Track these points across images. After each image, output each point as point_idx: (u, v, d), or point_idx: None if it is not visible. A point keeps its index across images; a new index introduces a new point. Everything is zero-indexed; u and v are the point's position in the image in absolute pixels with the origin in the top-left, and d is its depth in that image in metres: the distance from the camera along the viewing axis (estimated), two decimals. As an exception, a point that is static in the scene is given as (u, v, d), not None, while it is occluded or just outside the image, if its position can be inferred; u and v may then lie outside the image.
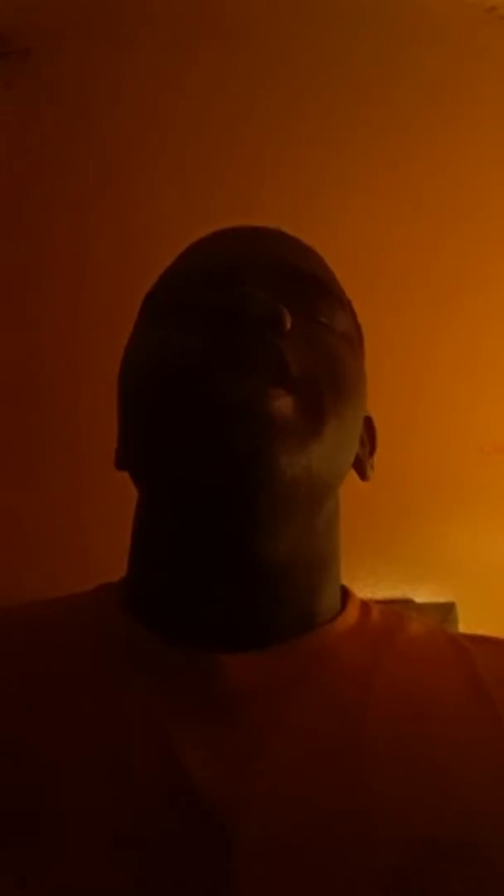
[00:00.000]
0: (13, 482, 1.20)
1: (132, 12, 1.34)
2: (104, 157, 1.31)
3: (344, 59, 1.39)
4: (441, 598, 1.30)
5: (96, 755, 0.46)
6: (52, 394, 1.22)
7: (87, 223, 1.27)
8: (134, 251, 1.17)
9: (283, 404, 0.49)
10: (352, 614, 0.56)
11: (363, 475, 0.61)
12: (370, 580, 1.23)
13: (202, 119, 1.32)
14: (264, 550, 0.51)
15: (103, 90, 1.32)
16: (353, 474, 0.60)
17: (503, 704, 0.51)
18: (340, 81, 1.38)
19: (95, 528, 1.11)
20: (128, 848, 0.43)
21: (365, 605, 0.58)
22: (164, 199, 1.27)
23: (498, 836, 0.45)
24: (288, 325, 0.50)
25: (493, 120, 1.42)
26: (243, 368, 0.49)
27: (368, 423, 0.62)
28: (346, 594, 0.58)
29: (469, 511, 1.33)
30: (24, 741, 0.48)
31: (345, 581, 0.59)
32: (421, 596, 1.30)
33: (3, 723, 0.49)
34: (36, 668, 0.52)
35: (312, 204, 1.27)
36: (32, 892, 0.42)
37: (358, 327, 0.62)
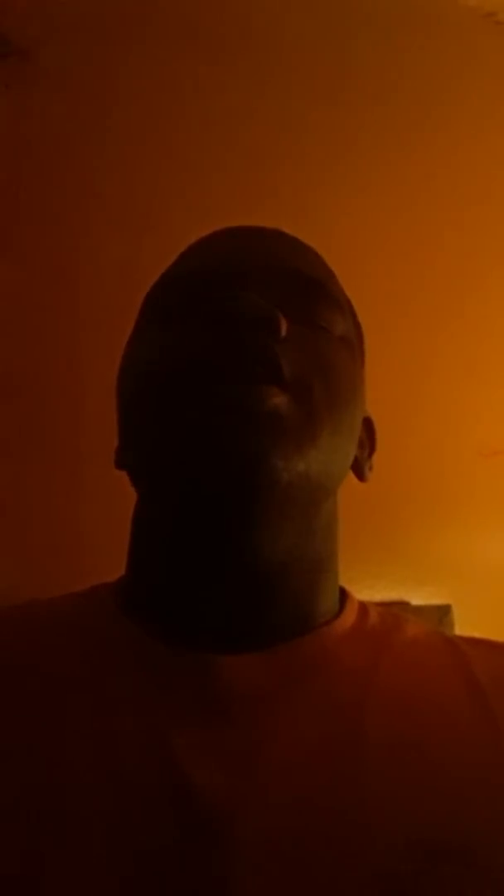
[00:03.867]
0: (13, 481, 1.20)
1: (132, 13, 1.34)
2: (104, 158, 1.31)
3: (343, 63, 1.40)
4: (437, 601, 1.29)
5: (93, 757, 0.46)
6: (53, 394, 1.22)
7: (86, 223, 1.27)
8: (134, 251, 1.17)
9: (278, 403, 0.49)
10: (350, 616, 0.56)
11: (361, 476, 0.61)
12: (367, 582, 1.23)
13: (202, 120, 1.33)
14: (262, 552, 0.51)
15: (103, 91, 1.33)
16: (351, 475, 0.60)
17: (500, 706, 0.51)
18: (340, 85, 1.39)
19: (95, 528, 1.11)
20: (125, 850, 0.43)
21: (363, 607, 0.58)
22: (164, 200, 1.27)
23: (494, 838, 0.45)
24: (284, 330, 0.50)
25: (491, 123, 1.42)
26: (237, 369, 0.49)
27: (368, 425, 0.62)
28: (344, 596, 0.58)
29: (466, 514, 1.33)
30: (21, 743, 0.47)
31: (342, 583, 0.59)
32: (417, 598, 1.30)
33: None
34: (32, 669, 0.52)
35: (312, 205, 1.28)
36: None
37: (358, 328, 0.62)
